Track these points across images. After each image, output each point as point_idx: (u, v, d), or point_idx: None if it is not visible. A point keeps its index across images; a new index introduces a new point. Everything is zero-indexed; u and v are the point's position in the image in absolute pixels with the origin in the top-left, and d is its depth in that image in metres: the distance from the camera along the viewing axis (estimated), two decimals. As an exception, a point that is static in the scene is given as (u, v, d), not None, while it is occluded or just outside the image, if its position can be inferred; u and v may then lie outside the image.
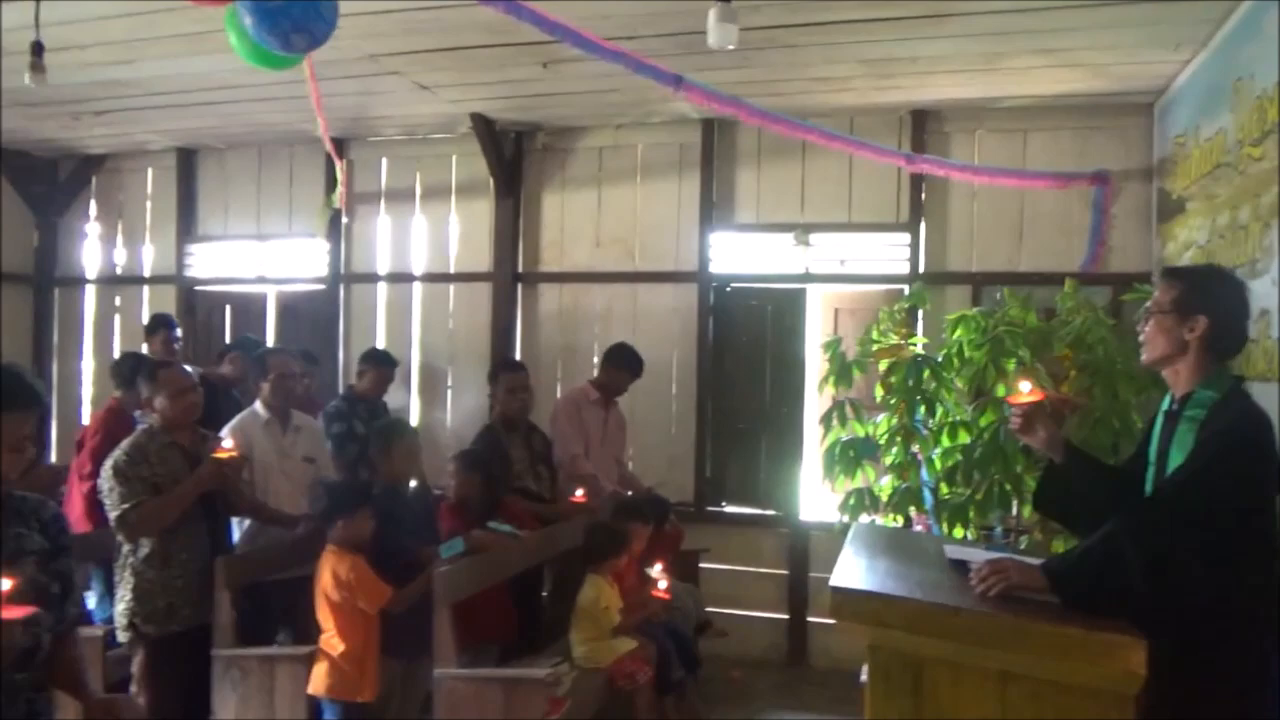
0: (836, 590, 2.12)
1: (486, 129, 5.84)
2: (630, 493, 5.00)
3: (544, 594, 4.57)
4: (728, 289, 5.86)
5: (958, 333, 4.16)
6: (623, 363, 5.02)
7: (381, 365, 5.14)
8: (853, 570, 2.30)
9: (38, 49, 3.23)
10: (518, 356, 5.93)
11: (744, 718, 4.68)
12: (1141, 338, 2.32)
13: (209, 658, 3.49)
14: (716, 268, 5.83)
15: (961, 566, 2.33)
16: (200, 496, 3.58)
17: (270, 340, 6.63)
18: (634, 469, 5.52)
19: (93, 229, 7.10)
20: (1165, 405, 2.35)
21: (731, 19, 2.93)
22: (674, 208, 5.91)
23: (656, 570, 4.03)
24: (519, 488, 4.61)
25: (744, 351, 5.79)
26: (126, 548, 3.52)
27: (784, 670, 5.39)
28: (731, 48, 2.95)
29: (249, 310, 6.77)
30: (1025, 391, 2.43)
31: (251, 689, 3.43)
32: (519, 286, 6.12)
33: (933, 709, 2.07)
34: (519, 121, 5.96)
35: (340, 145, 6.40)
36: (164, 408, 3.57)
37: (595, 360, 5.98)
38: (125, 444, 3.54)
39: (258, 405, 4.29)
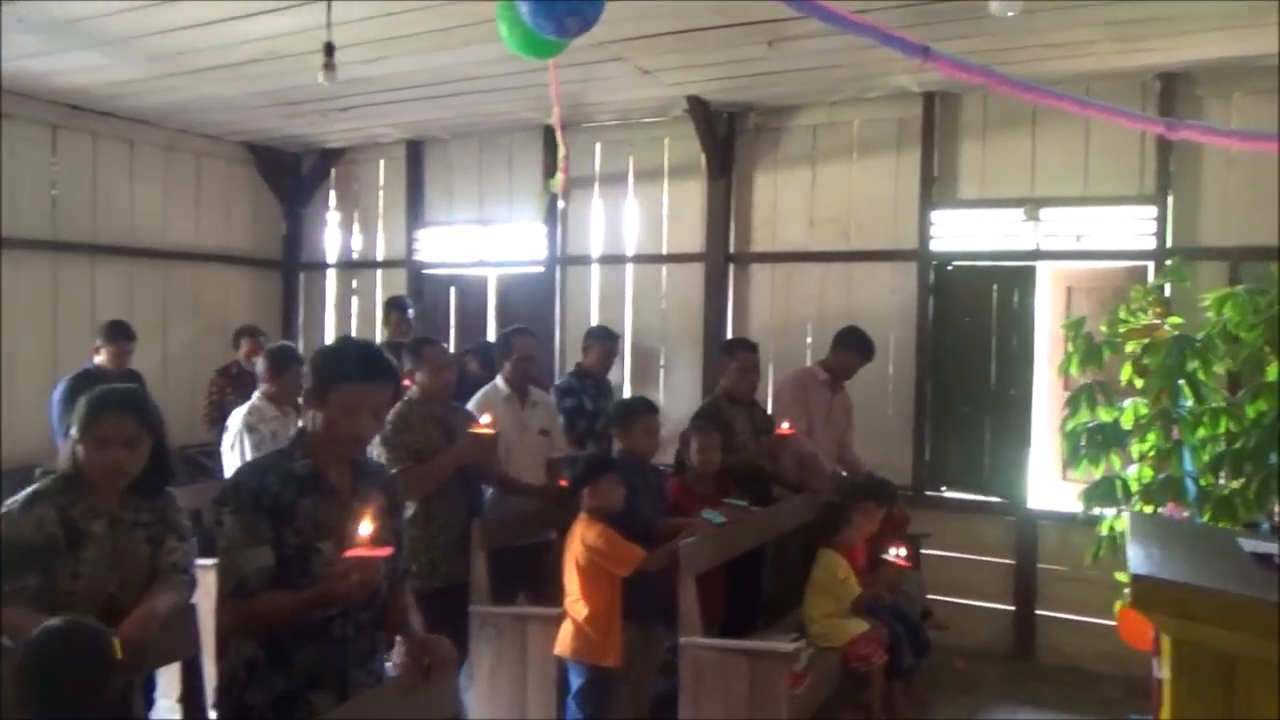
0: (1140, 579, 2.01)
1: (701, 111, 5.89)
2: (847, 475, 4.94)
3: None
4: (949, 267, 5.66)
5: (1224, 311, 3.83)
6: (854, 346, 4.95)
7: (605, 340, 5.30)
8: (1147, 560, 2.17)
9: (329, 49, 3.51)
10: (729, 336, 5.97)
11: (972, 710, 4.54)
12: None
13: (465, 613, 3.72)
14: (937, 245, 5.64)
15: (1266, 561, 2.16)
16: (463, 466, 3.84)
17: (491, 321, 6.99)
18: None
19: (332, 217, 7.69)
20: None
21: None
22: (892, 184, 5.76)
23: (892, 552, 3.97)
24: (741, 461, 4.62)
25: (966, 331, 5.58)
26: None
27: (1009, 663, 5.19)
28: (1012, 14, 2.83)
29: (472, 292, 7.14)
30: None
31: (505, 645, 3.65)
32: (731, 267, 6.15)
33: (1244, 710, 1.94)
34: (733, 102, 5.97)
35: (554, 131, 6.65)
36: (424, 381, 3.84)
37: (809, 340, 5.94)
38: (390, 414, 3.83)
39: (499, 381, 4.52)
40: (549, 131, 6.67)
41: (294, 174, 7.66)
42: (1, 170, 5.81)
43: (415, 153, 7.22)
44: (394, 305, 6.19)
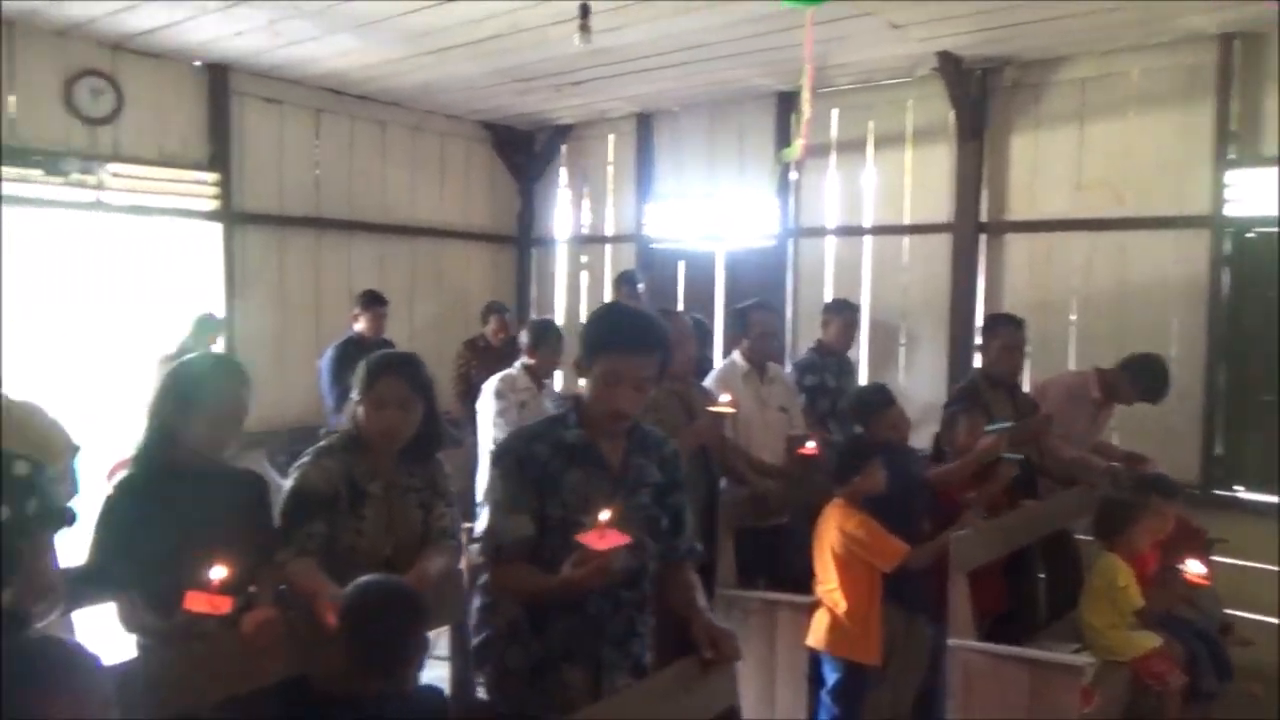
0: None
1: (953, 68, 5.44)
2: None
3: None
4: (1250, 234, 4.93)
5: None
6: (1146, 384, 4.31)
7: (845, 312, 5.02)
8: None
9: (584, 11, 3.45)
10: (979, 312, 5.52)
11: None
12: None
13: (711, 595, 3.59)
14: (1235, 210, 4.93)
15: None
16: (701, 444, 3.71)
17: (719, 296, 6.85)
18: (1117, 441, 4.90)
19: (563, 193, 7.80)
20: None
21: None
22: (1178, 141, 5.09)
23: (1191, 566, 3.46)
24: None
25: (1270, 307, 4.84)
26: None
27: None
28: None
29: (700, 266, 7.02)
30: None
31: (752, 630, 3.49)
32: (983, 237, 5.67)
33: None
34: (988, 57, 5.47)
35: (789, 99, 6.38)
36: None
37: (1072, 318, 5.41)
38: None
39: (736, 356, 4.36)
40: (782, 100, 6.42)
41: (527, 151, 7.83)
42: (241, 148, 6.25)
43: (644, 126, 7.17)
44: (624, 279, 6.18)
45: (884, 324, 6.06)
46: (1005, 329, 4.35)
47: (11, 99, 5.19)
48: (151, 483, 2.27)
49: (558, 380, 5.04)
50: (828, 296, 6.15)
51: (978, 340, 4.86)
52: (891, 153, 6.08)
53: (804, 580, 3.48)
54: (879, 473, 3.20)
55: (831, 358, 4.88)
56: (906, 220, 6.00)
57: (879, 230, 6.12)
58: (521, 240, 7.90)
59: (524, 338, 4.64)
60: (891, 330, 6.04)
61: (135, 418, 5.30)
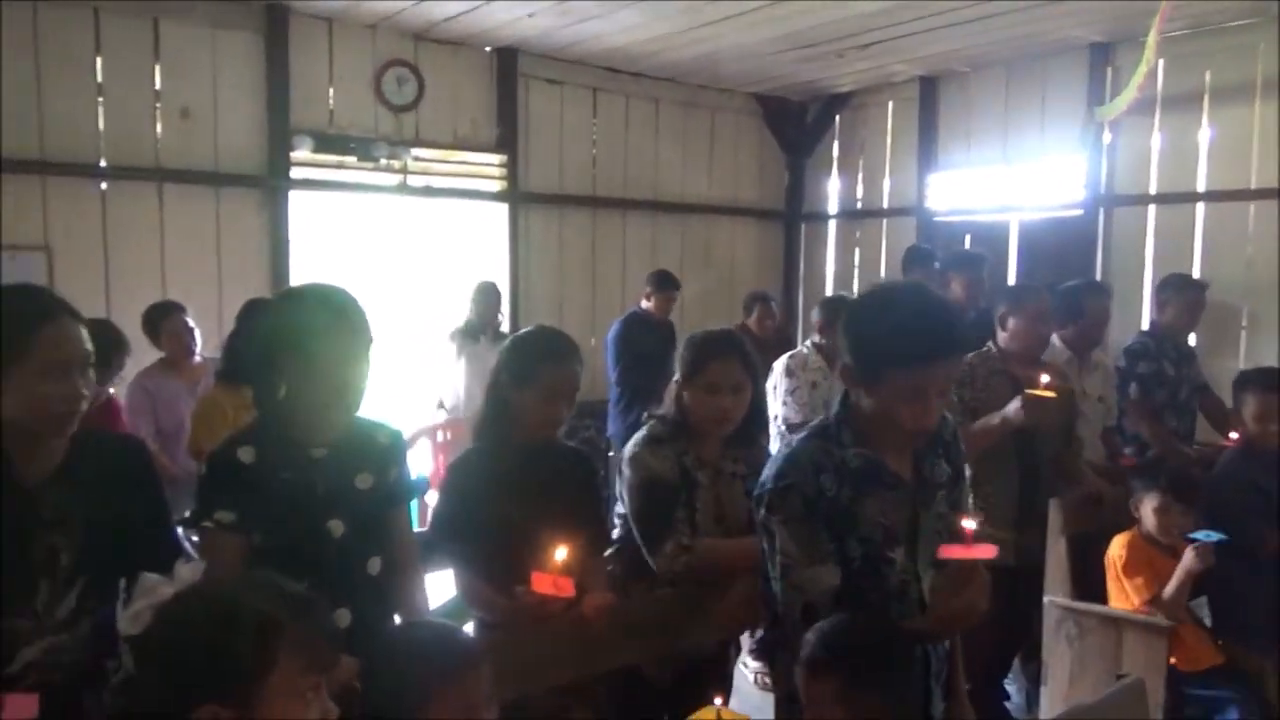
0: None
1: (1324, 1, 4.60)
2: None
3: None
4: None
5: None
6: None
7: (1187, 291, 4.36)
8: None
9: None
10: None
11: None
12: None
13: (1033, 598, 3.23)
14: None
15: None
16: (1018, 432, 3.32)
17: (1011, 272, 6.28)
18: None
19: (835, 166, 7.46)
20: None
21: None
22: None
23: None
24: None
25: None
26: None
27: None
28: None
29: (989, 240, 6.45)
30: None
31: (1089, 649, 3.08)
32: (1355, 202, 4.79)
33: None
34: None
35: (1104, 51, 5.71)
36: (1016, 330, 3.37)
37: None
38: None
39: (1056, 340, 3.91)
40: (1095, 52, 5.74)
41: (798, 123, 7.56)
42: (526, 130, 6.39)
43: (929, 91, 6.68)
44: (917, 256, 5.73)
45: (1221, 304, 5.24)
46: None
47: (330, 90, 5.59)
48: (490, 457, 2.26)
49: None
50: (1148, 272, 5.48)
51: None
52: (1232, 107, 5.26)
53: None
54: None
55: (1169, 342, 4.27)
56: (1253, 184, 5.17)
57: (1216, 196, 5.32)
58: (790, 216, 7.65)
59: (816, 314, 4.43)
60: (1231, 312, 5.24)
61: (431, 392, 5.63)
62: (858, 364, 1.77)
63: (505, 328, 5.58)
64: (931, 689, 1.88)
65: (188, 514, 1.78)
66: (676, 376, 2.39)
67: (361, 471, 1.86)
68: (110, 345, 3.62)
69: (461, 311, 5.56)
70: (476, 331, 5.43)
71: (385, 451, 1.94)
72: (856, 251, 7.28)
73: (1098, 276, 5.73)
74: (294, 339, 1.74)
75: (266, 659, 1.11)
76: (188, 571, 1.20)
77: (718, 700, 1.44)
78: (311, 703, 1.14)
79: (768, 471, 1.84)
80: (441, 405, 5.55)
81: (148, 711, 1.12)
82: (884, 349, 1.72)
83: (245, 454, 1.76)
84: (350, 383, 1.78)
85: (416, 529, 2.21)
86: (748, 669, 4.03)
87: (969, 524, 1.69)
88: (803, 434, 1.88)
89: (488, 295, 5.51)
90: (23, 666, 1.59)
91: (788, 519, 1.76)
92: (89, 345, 1.64)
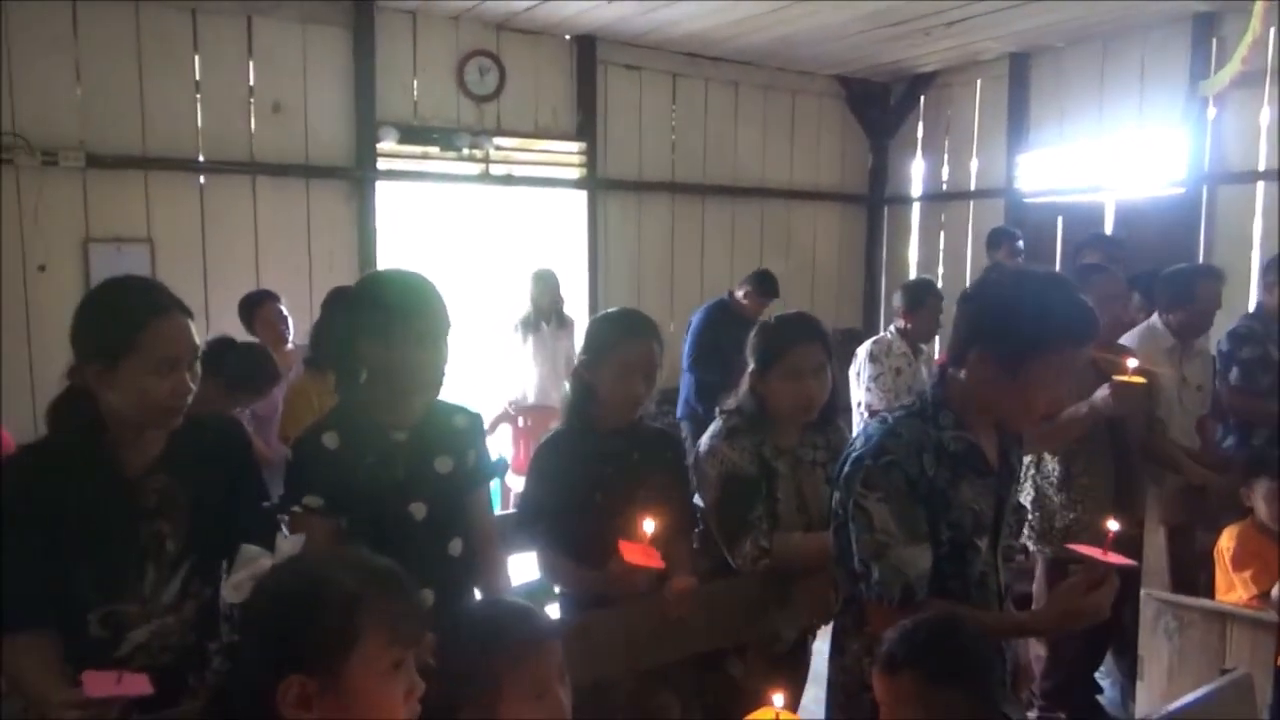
0: None
1: None
2: None
3: None
4: None
5: None
6: None
7: (1300, 275, 4.13)
8: None
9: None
10: None
11: None
12: None
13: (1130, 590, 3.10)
14: None
15: None
16: (1109, 422, 3.19)
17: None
18: None
19: (919, 148, 7.27)
20: None
21: None
22: None
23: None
24: None
25: None
26: (1029, 459, 3.32)
27: None
28: None
29: (1084, 222, 6.22)
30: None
31: (1189, 644, 2.95)
32: None
33: None
34: None
35: (1208, 21, 5.43)
36: None
37: None
38: None
39: (1157, 323, 3.74)
40: (1199, 22, 5.47)
41: (881, 105, 7.40)
42: (605, 117, 6.39)
43: (1020, 67, 6.46)
44: (1002, 236, 5.58)
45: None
46: None
47: (414, 82, 5.69)
48: (575, 439, 2.27)
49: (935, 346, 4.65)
50: (1256, 253, 5.20)
51: None
52: (1352, 76, 4.96)
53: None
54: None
55: (1276, 326, 4.05)
56: (1370, 159, 4.87)
57: (1330, 172, 5.03)
58: (873, 199, 7.50)
59: (898, 299, 4.33)
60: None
61: (503, 378, 5.66)
62: (1003, 349, 1.69)
63: (569, 312, 5.57)
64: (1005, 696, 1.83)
65: (277, 499, 1.84)
66: (751, 366, 2.35)
67: (441, 454, 1.89)
68: (265, 373, 3.61)
69: (523, 301, 5.56)
70: (538, 319, 5.42)
71: (463, 434, 1.97)
72: (941, 235, 7.09)
73: (1200, 258, 5.48)
74: (373, 324, 1.77)
75: (351, 632, 1.13)
76: (288, 545, 1.24)
77: (778, 699, 1.41)
78: (398, 676, 1.16)
79: (861, 448, 1.78)
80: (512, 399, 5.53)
81: (244, 682, 1.15)
82: (1041, 333, 1.67)
83: (330, 439, 1.80)
84: (428, 367, 1.80)
85: (500, 511, 2.24)
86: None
87: (1113, 525, 1.65)
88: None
89: (545, 281, 5.45)
90: (131, 649, 1.67)
91: (889, 496, 1.71)
92: (197, 340, 1.67)
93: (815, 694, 3.71)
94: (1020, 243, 5.56)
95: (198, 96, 5.09)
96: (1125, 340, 3.79)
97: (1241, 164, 5.38)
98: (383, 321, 1.78)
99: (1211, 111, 5.48)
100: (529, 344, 5.42)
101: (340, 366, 1.85)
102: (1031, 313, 1.68)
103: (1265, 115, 5.30)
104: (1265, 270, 4.30)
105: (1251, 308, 4.39)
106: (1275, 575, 2.78)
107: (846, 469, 1.80)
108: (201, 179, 5.13)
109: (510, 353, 5.49)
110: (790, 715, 1.39)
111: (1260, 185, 5.32)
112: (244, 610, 1.19)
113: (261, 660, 1.13)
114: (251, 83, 5.24)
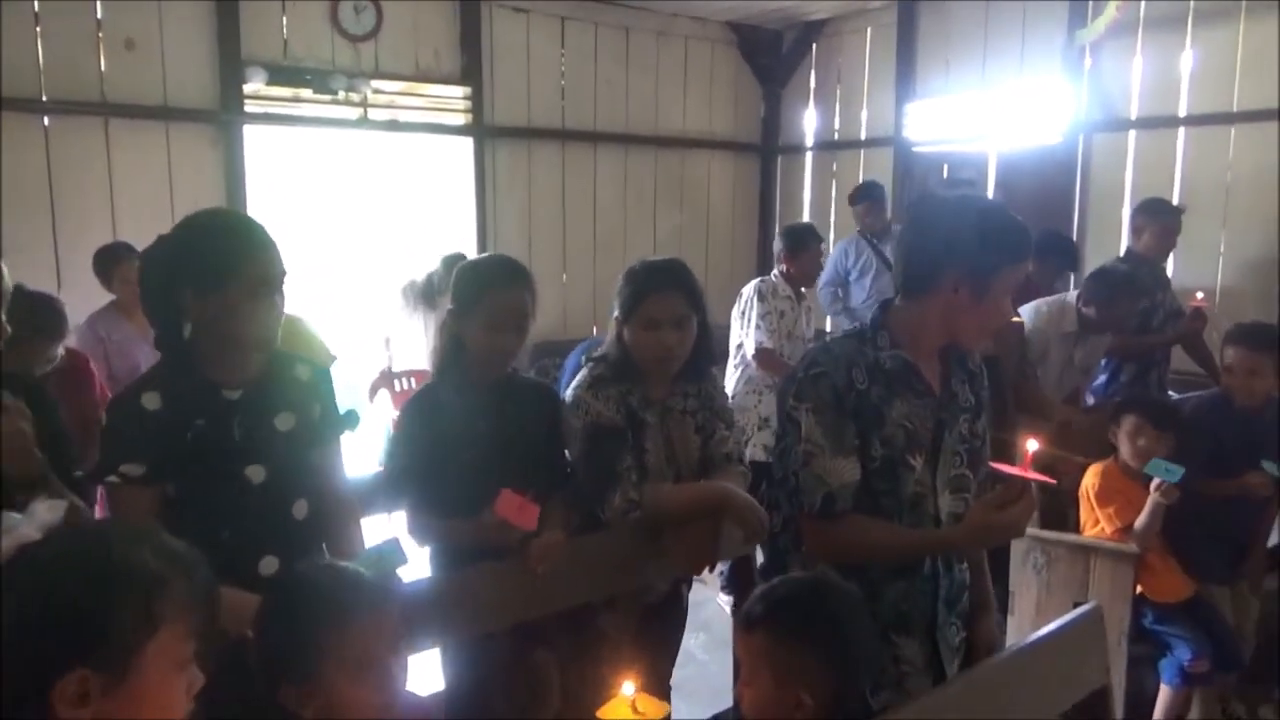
0: None
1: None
2: None
3: None
4: None
5: None
6: None
7: (1162, 216, 4.26)
8: None
9: None
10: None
11: None
12: None
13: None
14: None
15: None
16: (986, 360, 3.24)
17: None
18: None
19: (811, 96, 7.26)
20: None
21: None
22: None
23: None
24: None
25: None
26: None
27: None
28: None
29: (966, 171, 6.34)
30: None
31: (1058, 578, 3.06)
32: (1337, 124, 4.67)
33: None
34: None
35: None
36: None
37: None
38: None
39: (1070, 302, 3.86)
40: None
41: (774, 53, 7.34)
42: (491, 61, 6.18)
43: (907, 16, 6.48)
44: (868, 193, 5.63)
45: (1198, 229, 5.17)
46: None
47: (284, 19, 5.35)
48: (445, 394, 2.16)
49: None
50: (1127, 200, 5.36)
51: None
52: (1217, 28, 5.10)
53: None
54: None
55: (1145, 268, 4.19)
56: (1235, 106, 5.04)
57: (1197, 120, 5.19)
58: (766, 148, 7.47)
59: (779, 244, 4.31)
60: (1210, 238, 5.16)
61: (384, 333, 5.46)
62: (978, 269, 1.72)
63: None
64: (939, 618, 1.87)
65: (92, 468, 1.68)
66: (615, 313, 2.26)
67: (282, 411, 1.76)
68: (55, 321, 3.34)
69: (423, 270, 5.30)
70: (433, 295, 5.20)
71: (306, 387, 1.84)
72: (834, 184, 7.12)
73: (1076, 207, 5.64)
74: (194, 271, 1.62)
75: (151, 621, 1.00)
76: (45, 510, 1.09)
77: (628, 687, 1.34)
78: (185, 672, 1.04)
79: (798, 364, 1.87)
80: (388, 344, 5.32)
81: (9, 673, 1.00)
82: (1005, 250, 1.74)
83: (150, 400, 1.65)
84: (259, 319, 1.66)
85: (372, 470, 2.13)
86: (723, 604, 4.02)
87: (1032, 445, 1.66)
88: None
89: (452, 263, 5.27)
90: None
91: (816, 407, 1.76)
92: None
93: (705, 639, 3.76)
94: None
95: (38, 29, 4.67)
96: (1034, 305, 3.88)
97: (1115, 113, 5.52)
98: (205, 268, 1.62)
99: (1088, 62, 5.59)
100: (418, 317, 5.20)
101: (159, 319, 1.69)
102: (996, 233, 1.73)
103: (1138, 65, 5.44)
104: (1134, 214, 4.45)
105: (1122, 253, 4.53)
106: (1137, 510, 2.88)
107: (785, 386, 1.87)
108: (46, 120, 4.74)
109: (395, 319, 5.27)
110: (649, 699, 1.33)
111: (1132, 134, 5.47)
112: (13, 590, 1.02)
113: (33, 648, 0.98)
114: (100, 16, 4.84)
